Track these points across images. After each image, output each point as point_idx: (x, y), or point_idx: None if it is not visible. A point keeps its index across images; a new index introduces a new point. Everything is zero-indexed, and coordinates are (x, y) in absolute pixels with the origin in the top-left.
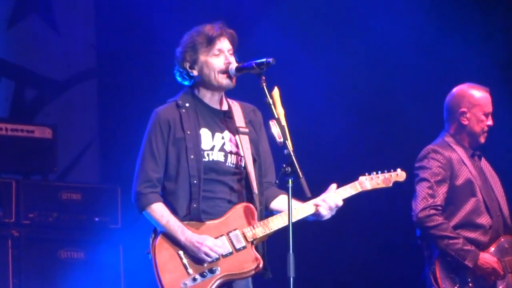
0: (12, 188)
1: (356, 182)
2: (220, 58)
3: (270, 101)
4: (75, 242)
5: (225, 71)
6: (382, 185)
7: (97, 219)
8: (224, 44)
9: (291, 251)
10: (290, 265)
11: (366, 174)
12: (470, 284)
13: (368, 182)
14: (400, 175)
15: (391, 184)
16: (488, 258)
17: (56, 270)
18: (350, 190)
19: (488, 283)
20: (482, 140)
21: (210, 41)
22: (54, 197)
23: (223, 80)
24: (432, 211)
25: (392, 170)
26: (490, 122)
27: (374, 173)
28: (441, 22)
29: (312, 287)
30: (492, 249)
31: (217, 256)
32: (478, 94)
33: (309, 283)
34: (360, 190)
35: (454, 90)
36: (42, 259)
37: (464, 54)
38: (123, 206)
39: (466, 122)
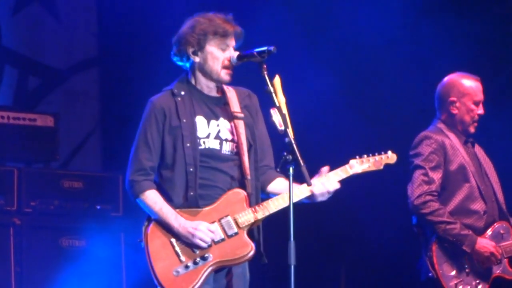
0: (14, 176)
1: (346, 166)
2: (226, 53)
3: (271, 89)
4: (76, 230)
5: (227, 67)
6: (372, 168)
7: (98, 207)
8: (233, 41)
9: (292, 239)
10: (291, 253)
11: (357, 157)
12: (467, 270)
13: (358, 165)
14: (390, 157)
15: (381, 167)
16: (486, 243)
17: (58, 258)
18: (341, 173)
19: (485, 269)
20: (472, 130)
21: (223, 35)
22: (56, 185)
23: (225, 76)
24: (428, 197)
25: (383, 153)
26: (481, 111)
27: (365, 156)
28: (430, 10)
29: (311, 275)
30: (487, 234)
31: (210, 240)
32: (468, 83)
33: (308, 270)
34: (350, 173)
35: (445, 79)
36: (44, 247)
37: (459, 42)
38: (124, 194)
39: (455, 112)
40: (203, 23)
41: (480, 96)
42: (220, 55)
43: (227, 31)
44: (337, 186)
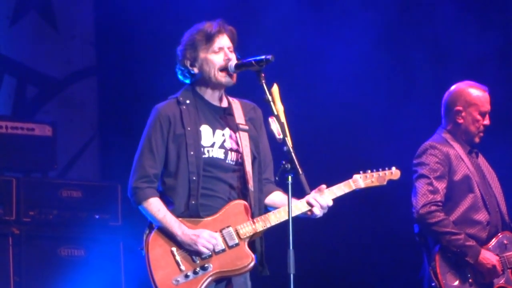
0: (13, 186)
1: (350, 180)
2: (220, 55)
3: (270, 98)
4: (75, 240)
5: (225, 68)
6: (376, 184)
7: (97, 216)
8: (223, 41)
9: (291, 248)
10: (290, 262)
11: (361, 172)
12: (470, 280)
13: (362, 180)
14: (394, 173)
15: (385, 183)
16: (489, 256)
17: (57, 267)
18: (344, 188)
19: (486, 281)
20: (477, 140)
21: (209, 38)
22: (55, 195)
23: (222, 78)
24: (433, 207)
25: (386, 169)
26: (486, 121)
27: (369, 171)
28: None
29: (311, 284)
30: (491, 245)
31: (213, 247)
32: (475, 93)
33: (309, 279)
34: (354, 188)
35: (453, 87)
36: (43, 256)
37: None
38: (123, 203)
39: (461, 121)
40: (190, 35)
41: (487, 107)
42: (213, 58)
43: (211, 33)
44: (330, 203)
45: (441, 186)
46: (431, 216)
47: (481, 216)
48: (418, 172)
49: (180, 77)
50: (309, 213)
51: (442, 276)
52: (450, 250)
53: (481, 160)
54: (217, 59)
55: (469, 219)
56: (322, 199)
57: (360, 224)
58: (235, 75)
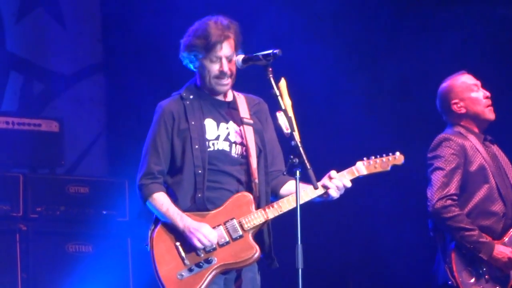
0: (20, 182)
1: (353, 168)
2: (216, 64)
3: (277, 92)
4: (83, 236)
5: (218, 77)
6: (379, 169)
7: (104, 212)
8: (223, 51)
9: (299, 242)
10: (298, 257)
11: (364, 158)
12: (486, 276)
13: (365, 167)
14: (398, 158)
15: (389, 168)
16: (503, 249)
17: (64, 263)
18: (347, 175)
19: (503, 274)
20: (489, 115)
21: (208, 47)
22: (62, 191)
23: (216, 86)
24: (449, 202)
25: (390, 154)
26: (484, 93)
27: (372, 157)
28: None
29: (320, 278)
30: (506, 239)
31: (210, 244)
32: (457, 80)
33: (317, 274)
34: (357, 175)
35: (438, 91)
36: (50, 252)
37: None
38: (130, 199)
39: (464, 110)
40: (191, 36)
41: (474, 81)
42: (209, 66)
43: (210, 42)
44: (349, 184)
45: (456, 178)
46: (446, 210)
47: (497, 207)
48: (434, 165)
49: (185, 61)
50: (325, 195)
51: (459, 274)
52: (464, 246)
53: (497, 148)
54: (213, 68)
55: (484, 210)
56: (335, 181)
57: (369, 218)
58: (230, 83)
